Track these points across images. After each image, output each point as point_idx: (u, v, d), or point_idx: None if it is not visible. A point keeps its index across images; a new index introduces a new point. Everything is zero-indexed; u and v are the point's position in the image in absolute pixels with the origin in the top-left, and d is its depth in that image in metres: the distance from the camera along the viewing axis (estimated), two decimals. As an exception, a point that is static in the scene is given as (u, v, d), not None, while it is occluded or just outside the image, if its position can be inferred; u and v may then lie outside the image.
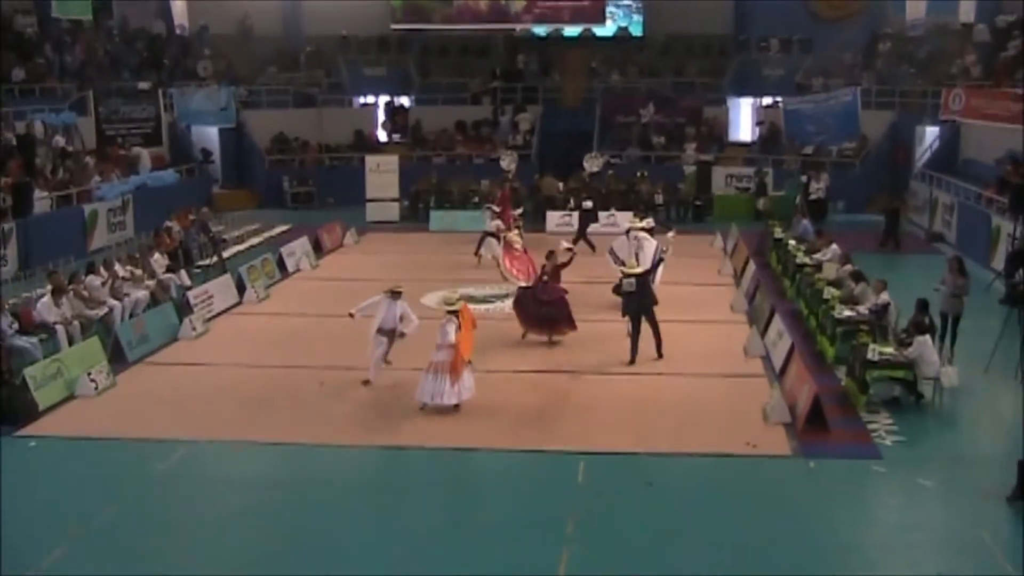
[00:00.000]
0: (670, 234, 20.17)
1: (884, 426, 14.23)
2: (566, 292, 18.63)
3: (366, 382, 15.88)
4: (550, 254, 18.82)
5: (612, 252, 21.60)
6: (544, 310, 18.31)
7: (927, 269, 21.79)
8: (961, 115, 29.91)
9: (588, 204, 28.55)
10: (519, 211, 27.57)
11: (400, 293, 16.09)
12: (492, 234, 24.58)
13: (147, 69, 36.60)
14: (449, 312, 14.91)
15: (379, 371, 16.02)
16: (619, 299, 17.79)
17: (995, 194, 26.02)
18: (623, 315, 17.56)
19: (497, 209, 26.40)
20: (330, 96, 40.00)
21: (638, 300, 17.24)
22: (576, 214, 29.23)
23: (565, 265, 18.85)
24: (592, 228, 28.28)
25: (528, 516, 11.60)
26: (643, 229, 21.83)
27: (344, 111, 40.08)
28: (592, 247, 26.12)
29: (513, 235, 20.95)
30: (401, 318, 16.01)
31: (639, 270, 17.86)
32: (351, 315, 16.25)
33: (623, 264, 19.19)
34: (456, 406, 14.66)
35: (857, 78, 35.99)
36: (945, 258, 20.28)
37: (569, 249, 19.46)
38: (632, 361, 17.08)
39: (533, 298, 18.43)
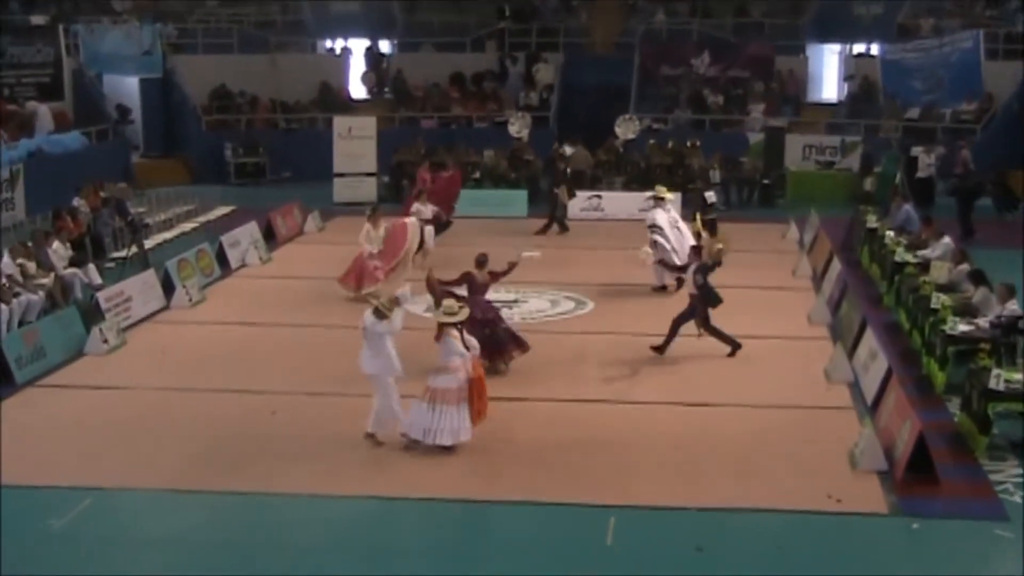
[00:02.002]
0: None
1: (1011, 477, 14.12)
2: (497, 310, 18.51)
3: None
4: (481, 260, 18.59)
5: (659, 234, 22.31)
6: (482, 333, 18.05)
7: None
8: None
9: (711, 197, 27.96)
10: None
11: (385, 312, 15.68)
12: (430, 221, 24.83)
13: (44, -2, 36.83)
14: (449, 324, 14.90)
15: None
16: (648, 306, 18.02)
17: None
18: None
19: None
20: (287, 38, 40.14)
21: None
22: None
23: (502, 275, 18.64)
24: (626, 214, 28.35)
25: (541, 590, 11.55)
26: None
27: (305, 58, 40.22)
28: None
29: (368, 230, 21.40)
30: None
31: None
32: None
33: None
34: (450, 447, 14.65)
35: (979, 19, 35.95)
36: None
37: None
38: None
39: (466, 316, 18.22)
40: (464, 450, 14.75)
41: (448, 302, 15.37)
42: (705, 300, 18.90)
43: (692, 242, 21.09)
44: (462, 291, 17.80)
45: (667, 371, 18.11)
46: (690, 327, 18.89)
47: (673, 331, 18.74)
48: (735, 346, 18.84)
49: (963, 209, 28.75)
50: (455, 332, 14.80)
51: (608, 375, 18.02)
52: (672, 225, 22.84)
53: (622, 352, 19.00)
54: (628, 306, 21.97)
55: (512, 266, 18.61)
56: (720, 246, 19.51)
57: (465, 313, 15.09)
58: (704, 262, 19.14)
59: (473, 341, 15.15)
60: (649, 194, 23.98)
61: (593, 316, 21.50)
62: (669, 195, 23.94)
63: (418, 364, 18.08)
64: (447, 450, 14.62)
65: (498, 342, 18.02)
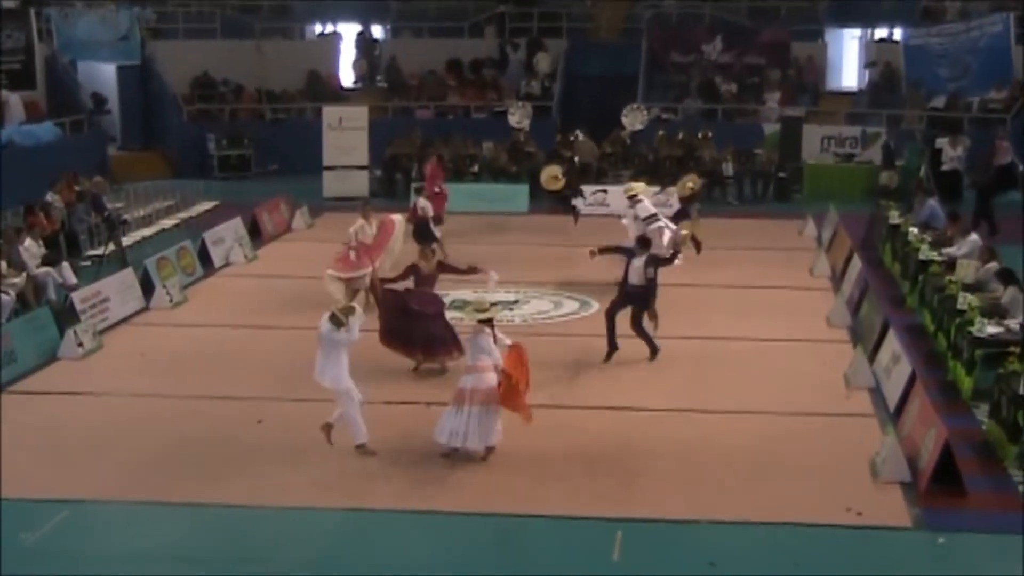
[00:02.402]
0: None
1: (1042, 488, 14.15)
2: (444, 305, 18.56)
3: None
4: (424, 252, 18.66)
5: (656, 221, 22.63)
6: (419, 326, 18.12)
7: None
8: None
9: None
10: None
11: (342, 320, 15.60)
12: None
13: (14, -22, 36.79)
14: (481, 321, 14.94)
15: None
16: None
17: None
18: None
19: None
20: (274, 23, 40.16)
21: None
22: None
23: (452, 270, 18.68)
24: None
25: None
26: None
27: (293, 45, 40.25)
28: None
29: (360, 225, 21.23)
30: None
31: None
32: None
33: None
34: (485, 452, 14.73)
35: (1009, 2, 35.92)
36: None
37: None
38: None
39: (402, 307, 18.31)
40: (460, 460, 14.74)
41: (478, 298, 15.39)
42: (650, 296, 18.93)
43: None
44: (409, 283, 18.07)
45: (676, 376, 18.10)
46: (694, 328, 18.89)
47: (638, 334, 18.73)
48: (654, 350, 18.82)
49: (983, 204, 28.70)
50: (488, 330, 14.83)
51: (614, 380, 18.02)
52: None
53: (629, 356, 18.96)
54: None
55: (471, 270, 18.73)
56: (684, 231, 19.62)
57: (496, 311, 15.08)
58: (655, 254, 19.18)
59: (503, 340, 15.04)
60: (626, 191, 24.00)
61: (598, 318, 21.45)
62: (643, 188, 24.11)
63: (404, 364, 18.11)
64: (485, 455, 14.69)
65: (432, 340, 18.04)
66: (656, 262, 19.08)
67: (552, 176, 28.18)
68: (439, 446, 14.79)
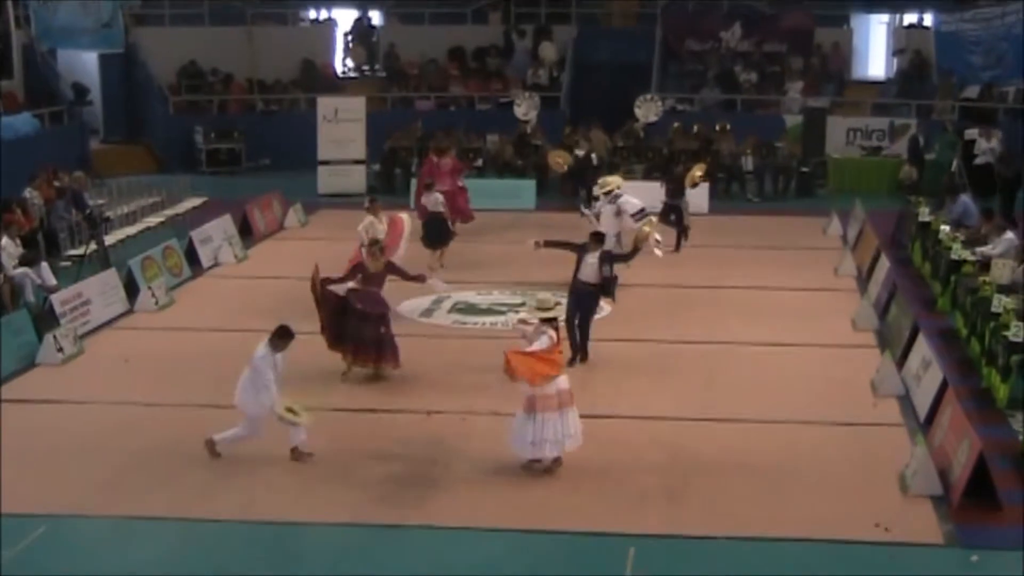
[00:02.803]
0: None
1: (1082, 502, 14.12)
2: (389, 309, 18.56)
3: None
4: (372, 251, 18.69)
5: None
6: (364, 328, 18.11)
7: None
8: None
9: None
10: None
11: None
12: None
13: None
14: (544, 320, 14.95)
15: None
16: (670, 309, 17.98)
17: None
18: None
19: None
20: (265, 9, 40.16)
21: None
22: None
23: (399, 273, 18.69)
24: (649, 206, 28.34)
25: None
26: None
27: (286, 31, 40.29)
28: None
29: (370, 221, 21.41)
30: None
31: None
32: None
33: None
34: (556, 461, 14.77)
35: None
36: None
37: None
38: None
39: (344, 307, 18.30)
40: (464, 471, 14.75)
41: (543, 296, 15.37)
42: (604, 294, 19.06)
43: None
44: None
45: (692, 382, 18.09)
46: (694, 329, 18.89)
47: (583, 335, 18.85)
48: (575, 356, 18.72)
49: (1004, 200, 28.60)
50: (551, 331, 14.83)
51: (624, 387, 18.02)
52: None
53: (640, 361, 18.98)
54: (647, 309, 21.95)
55: (418, 278, 18.90)
56: (646, 228, 19.68)
57: (561, 310, 15.06)
58: (611, 250, 19.31)
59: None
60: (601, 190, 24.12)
61: (608, 321, 21.43)
62: (619, 182, 24.40)
63: (419, 371, 18.16)
64: (553, 466, 14.70)
65: (373, 343, 18.09)
66: (612, 259, 19.11)
67: (558, 158, 28.63)
68: (522, 460, 14.78)
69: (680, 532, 13.33)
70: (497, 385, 17.69)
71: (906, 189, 31.46)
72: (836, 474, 14.87)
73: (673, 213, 26.43)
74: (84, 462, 15.20)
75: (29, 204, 24.91)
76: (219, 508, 13.91)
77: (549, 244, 19.70)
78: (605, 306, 20.03)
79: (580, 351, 18.82)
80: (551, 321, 15.03)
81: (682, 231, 26.39)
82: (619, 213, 23.16)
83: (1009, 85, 34.78)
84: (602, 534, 13.27)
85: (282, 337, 15.01)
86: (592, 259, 18.79)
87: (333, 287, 18.24)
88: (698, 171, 26.52)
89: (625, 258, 20.23)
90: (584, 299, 18.83)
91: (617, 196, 23.44)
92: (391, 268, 18.50)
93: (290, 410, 14.91)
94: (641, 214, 23.06)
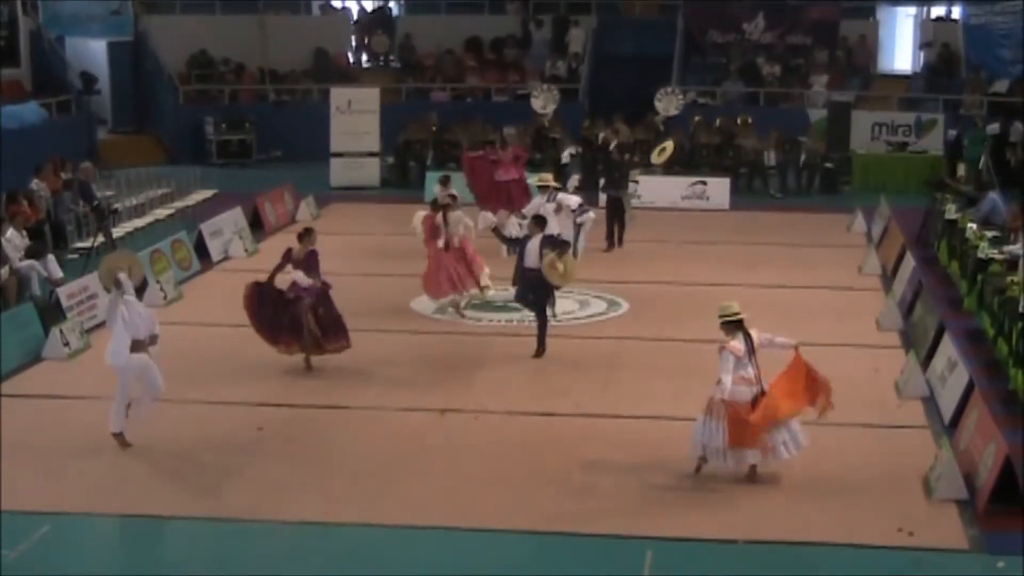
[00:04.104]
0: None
1: (1112, 508, 14.07)
2: (329, 286, 18.71)
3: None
4: (300, 235, 18.85)
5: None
6: (289, 313, 18.28)
7: None
8: None
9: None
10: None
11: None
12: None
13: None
14: (728, 323, 14.83)
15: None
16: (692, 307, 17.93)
17: None
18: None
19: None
20: (278, -3, 40.13)
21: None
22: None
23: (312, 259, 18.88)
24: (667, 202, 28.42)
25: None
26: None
27: (299, 20, 40.33)
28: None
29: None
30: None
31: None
32: None
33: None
34: (753, 467, 14.66)
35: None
36: None
37: None
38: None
39: (266, 296, 18.48)
40: (477, 471, 14.76)
41: (725, 303, 15.19)
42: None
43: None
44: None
45: (712, 383, 18.01)
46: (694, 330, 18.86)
47: (540, 324, 19.15)
48: (541, 350, 19.01)
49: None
50: (734, 338, 14.68)
51: (644, 387, 18.00)
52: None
53: (660, 360, 18.97)
54: (668, 308, 21.95)
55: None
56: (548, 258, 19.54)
57: (743, 314, 14.92)
58: (552, 234, 19.53)
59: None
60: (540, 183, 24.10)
61: (628, 319, 21.47)
62: (550, 178, 24.39)
63: (434, 369, 18.17)
64: (752, 472, 14.64)
65: (303, 329, 18.20)
66: (554, 243, 19.20)
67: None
68: (697, 460, 14.74)
69: (699, 535, 13.31)
70: (512, 384, 17.76)
71: (940, 187, 31.30)
72: (859, 477, 14.83)
73: (615, 207, 26.41)
74: (89, 459, 15.21)
75: (35, 195, 24.96)
76: (225, 506, 13.93)
77: (496, 233, 20.28)
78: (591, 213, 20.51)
79: (539, 343, 18.98)
80: (735, 325, 14.75)
81: (620, 225, 26.33)
82: (559, 210, 23.06)
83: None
84: (619, 537, 13.26)
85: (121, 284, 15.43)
86: (533, 244, 18.99)
87: (268, 281, 18.53)
88: (667, 147, 26.38)
89: (563, 244, 20.09)
90: (531, 284, 19.05)
91: (555, 193, 23.40)
92: (313, 256, 18.68)
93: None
94: (582, 209, 23.17)
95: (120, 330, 15.04)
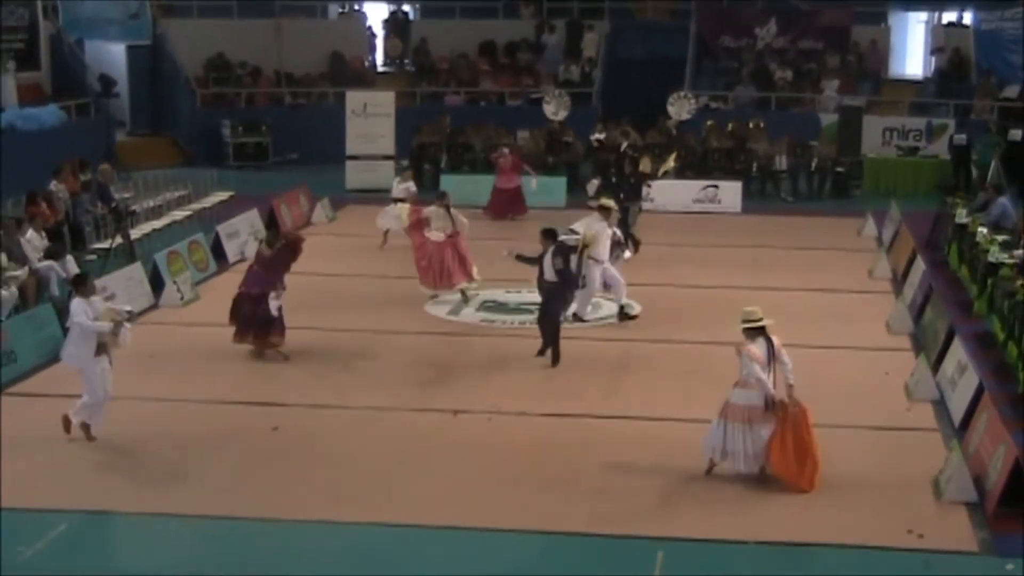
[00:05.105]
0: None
1: (1123, 511, 14.04)
2: (283, 288, 19.21)
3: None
4: (269, 237, 19.52)
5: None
6: (255, 310, 18.95)
7: None
8: None
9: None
10: None
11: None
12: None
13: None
14: (751, 329, 14.76)
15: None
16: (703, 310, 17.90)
17: None
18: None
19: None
20: (294, 1, 40.17)
21: None
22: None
23: (289, 253, 19.33)
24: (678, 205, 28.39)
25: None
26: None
27: (315, 24, 40.36)
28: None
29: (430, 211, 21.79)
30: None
31: None
32: None
33: None
34: (762, 470, 14.64)
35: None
36: None
37: None
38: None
39: (244, 295, 19.18)
40: (488, 473, 14.77)
41: (749, 308, 15.15)
42: (568, 286, 19.26)
43: None
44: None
45: (724, 385, 17.95)
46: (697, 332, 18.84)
47: (551, 333, 18.96)
48: (548, 354, 18.92)
49: None
50: (753, 344, 14.62)
51: (655, 389, 17.99)
52: None
53: (671, 363, 18.97)
54: (679, 310, 21.93)
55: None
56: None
57: (766, 321, 14.88)
58: (563, 242, 19.50)
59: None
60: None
61: (639, 321, 21.45)
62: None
63: (447, 370, 18.17)
64: (761, 475, 14.59)
65: (260, 322, 18.90)
66: (565, 252, 19.28)
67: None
68: (708, 462, 14.76)
69: (710, 536, 13.30)
70: (525, 385, 17.76)
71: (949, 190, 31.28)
72: (869, 479, 14.81)
73: (625, 215, 25.71)
74: (106, 459, 15.25)
75: (54, 197, 24.97)
76: (240, 506, 13.94)
77: (520, 259, 19.96)
78: (628, 253, 20.59)
79: (553, 352, 18.86)
80: (758, 331, 14.68)
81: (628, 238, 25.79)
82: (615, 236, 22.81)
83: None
84: (631, 537, 13.25)
85: (83, 284, 15.84)
86: (548, 258, 19.03)
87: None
88: (669, 172, 26.28)
89: (572, 250, 20.19)
90: (549, 296, 19.05)
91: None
92: (277, 254, 19.31)
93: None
94: (620, 249, 22.79)
95: (91, 319, 15.35)
